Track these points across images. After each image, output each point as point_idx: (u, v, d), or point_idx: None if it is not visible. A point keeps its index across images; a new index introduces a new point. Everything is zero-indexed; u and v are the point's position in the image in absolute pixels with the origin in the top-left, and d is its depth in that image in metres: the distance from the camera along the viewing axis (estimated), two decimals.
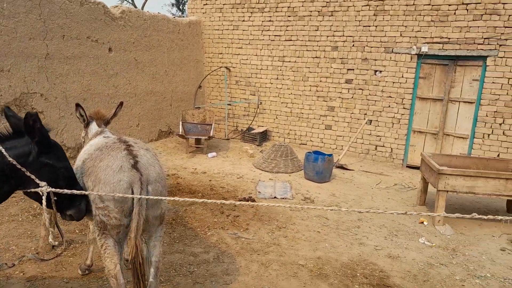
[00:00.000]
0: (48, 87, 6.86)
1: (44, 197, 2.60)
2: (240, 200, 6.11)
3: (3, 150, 2.49)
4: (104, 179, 2.77)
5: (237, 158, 8.94)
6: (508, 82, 7.70)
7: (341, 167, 8.42)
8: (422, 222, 5.83)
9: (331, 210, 2.74)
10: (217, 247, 4.71)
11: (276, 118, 10.40)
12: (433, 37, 8.26)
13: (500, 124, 7.86)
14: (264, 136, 10.39)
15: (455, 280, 4.30)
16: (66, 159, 2.79)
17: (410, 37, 8.50)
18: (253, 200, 6.22)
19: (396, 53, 8.70)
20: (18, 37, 6.28)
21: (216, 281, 4.00)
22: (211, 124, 9.24)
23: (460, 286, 4.21)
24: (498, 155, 7.85)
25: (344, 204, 6.44)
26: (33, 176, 2.57)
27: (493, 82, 7.83)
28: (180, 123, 9.23)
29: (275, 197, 6.50)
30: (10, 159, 2.49)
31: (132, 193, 2.74)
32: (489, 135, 8.00)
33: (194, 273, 4.12)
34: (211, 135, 9.07)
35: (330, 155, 7.53)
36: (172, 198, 2.54)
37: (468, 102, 8.19)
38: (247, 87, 10.71)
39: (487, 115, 7.95)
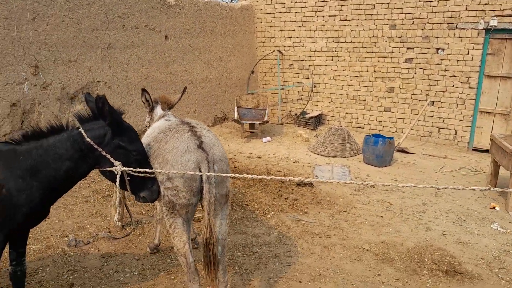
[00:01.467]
0: (110, 75, 7.16)
1: (118, 176, 2.70)
2: (299, 184, 6.05)
3: (82, 131, 2.62)
4: (172, 160, 2.82)
5: (292, 143, 8.87)
6: None
7: (402, 150, 8.09)
8: (494, 208, 5.47)
9: (407, 186, 2.63)
10: (277, 229, 4.71)
11: (331, 101, 10.17)
12: (503, 10, 7.64)
13: None
14: (318, 120, 10.22)
15: None
16: (139, 143, 2.86)
17: (476, 10, 7.92)
18: (311, 184, 6.14)
19: (461, 28, 8.14)
20: (83, 29, 6.57)
21: (279, 262, 4.00)
22: (265, 109, 9.22)
23: None
24: None
25: (407, 189, 6.19)
26: (108, 156, 2.68)
27: None
28: (235, 108, 9.29)
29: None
30: (88, 139, 2.62)
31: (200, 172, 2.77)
32: None
33: (257, 253, 4.15)
34: (266, 119, 9.06)
35: (391, 138, 7.24)
36: (250, 176, 2.54)
37: None
38: (301, 71, 10.54)
39: None
